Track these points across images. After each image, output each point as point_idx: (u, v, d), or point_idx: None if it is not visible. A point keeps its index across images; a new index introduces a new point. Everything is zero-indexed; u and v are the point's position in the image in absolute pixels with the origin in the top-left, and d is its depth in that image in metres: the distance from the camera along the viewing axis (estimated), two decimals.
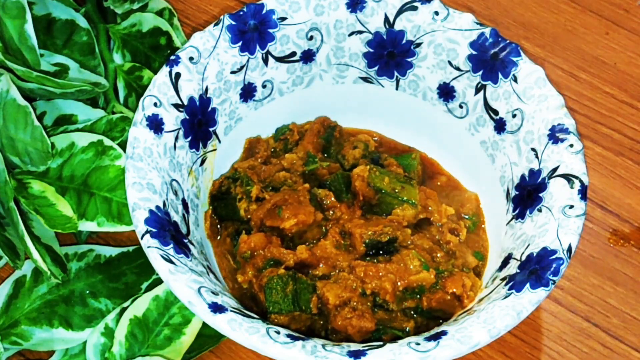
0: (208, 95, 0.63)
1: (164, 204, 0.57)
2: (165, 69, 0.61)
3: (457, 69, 0.64)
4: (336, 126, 0.69)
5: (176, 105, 0.61)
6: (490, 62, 0.63)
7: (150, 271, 0.66)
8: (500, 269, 0.59)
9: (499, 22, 0.81)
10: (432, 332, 0.54)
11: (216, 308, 0.52)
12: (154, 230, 0.55)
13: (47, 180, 0.65)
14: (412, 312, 0.59)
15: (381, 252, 0.60)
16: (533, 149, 0.61)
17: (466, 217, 0.66)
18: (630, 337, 0.66)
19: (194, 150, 0.63)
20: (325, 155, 0.68)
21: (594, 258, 0.69)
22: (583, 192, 0.57)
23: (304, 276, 0.58)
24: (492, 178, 0.65)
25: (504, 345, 0.65)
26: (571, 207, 0.57)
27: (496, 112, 0.63)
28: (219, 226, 0.64)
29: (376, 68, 0.67)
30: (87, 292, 0.65)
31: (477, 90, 0.64)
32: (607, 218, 0.71)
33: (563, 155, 0.59)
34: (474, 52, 0.63)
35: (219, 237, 0.64)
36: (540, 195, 0.59)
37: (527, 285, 0.54)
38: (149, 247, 0.54)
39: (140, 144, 0.58)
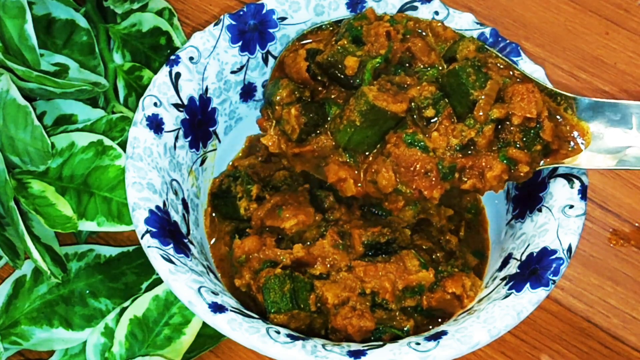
0: (208, 95, 0.63)
1: (164, 204, 0.57)
2: (165, 69, 0.61)
3: None
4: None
5: (176, 105, 0.61)
6: None
7: (150, 271, 0.66)
8: (500, 268, 0.59)
9: (499, 22, 0.81)
10: (432, 332, 0.54)
11: (216, 308, 0.52)
12: (154, 230, 0.55)
13: (47, 180, 0.65)
14: (412, 312, 0.59)
15: (380, 252, 0.60)
16: None
17: (466, 210, 0.66)
18: (630, 337, 0.66)
19: (194, 150, 0.63)
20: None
21: (594, 258, 0.69)
22: (583, 192, 0.57)
23: (300, 274, 0.58)
24: None
25: (504, 345, 0.66)
26: (571, 207, 0.57)
27: None
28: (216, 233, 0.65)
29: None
30: (87, 292, 0.65)
31: None
32: (607, 218, 0.71)
33: None
34: None
35: (213, 241, 0.64)
36: (540, 195, 0.59)
37: (527, 285, 0.54)
38: (149, 247, 0.54)
39: (140, 144, 0.58)
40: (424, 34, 0.61)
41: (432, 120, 0.57)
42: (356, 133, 0.57)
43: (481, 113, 0.55)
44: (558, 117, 0.58)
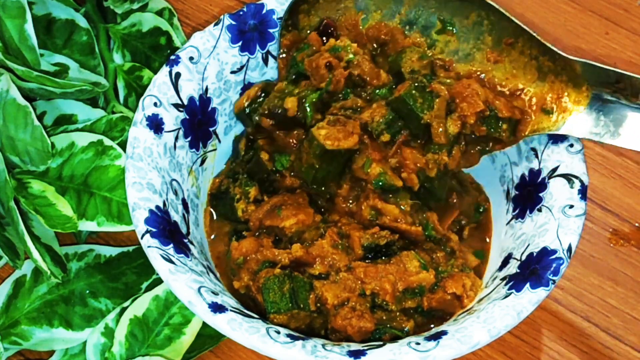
0: (208, 95, 0.63)
1: (164, 204, 0.57)
2: (165, 69, 0.61)
3: None
4: None
5: (176, 105, 0.61)
6: None
7: (150, 271, 0.66)
8: (500, 268, 0.59)
9: None
10: (432, 331, 0.54)
11: (216, 308, 0.52)
12: (154, 230, 0.55)
13: (47, 180, 0.65)
14: (412, 313, 0.59)
15: (380, 255, 0.60)
16: (533, 149, 0.61)
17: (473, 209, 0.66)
18: (630, 337, 0.66)
19: (194, 150, 0.63)
20: None
21: (594, 258, 0.69)
22: (583, 192, 0.57)
23: (299, 274, 0.58)
24: (492, 178, 0.65)
25: (504, 345, 0.65)
26: (571, 207, 0.57)
27: None
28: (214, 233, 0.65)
29: None
30: (87, 292, 0.65)
31: None
32: (607, 218, 0.71)
33: (563, 155, 0.59)
34: None
35: (213, 237, 0.64)
36: (540, 195, 0.59)
37: (527, 285, 0.54)
38: (149, 247, 0.54)
39: (140, 144, 0.58)
40: (385, 48, 0.62)
41: (389, 144, 0.58)
42: (319, 172, 0.59)
43: (440, 135, 0.57)
44: (554, 77, 0.59)
